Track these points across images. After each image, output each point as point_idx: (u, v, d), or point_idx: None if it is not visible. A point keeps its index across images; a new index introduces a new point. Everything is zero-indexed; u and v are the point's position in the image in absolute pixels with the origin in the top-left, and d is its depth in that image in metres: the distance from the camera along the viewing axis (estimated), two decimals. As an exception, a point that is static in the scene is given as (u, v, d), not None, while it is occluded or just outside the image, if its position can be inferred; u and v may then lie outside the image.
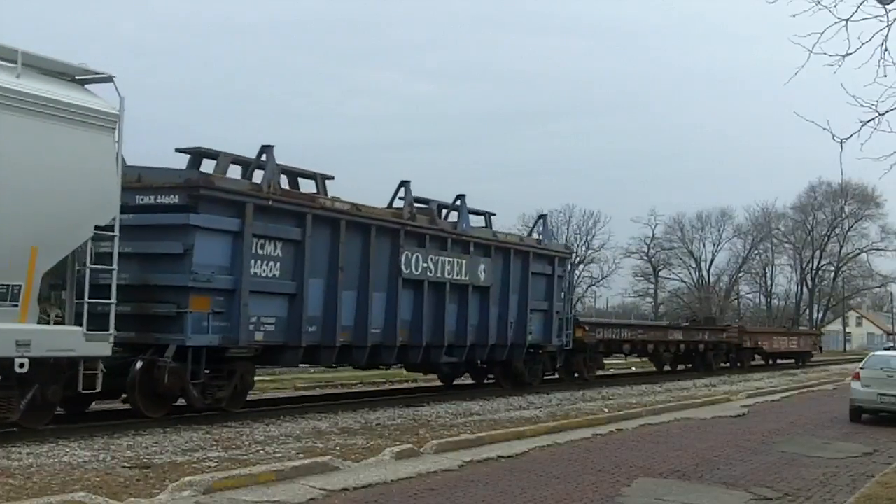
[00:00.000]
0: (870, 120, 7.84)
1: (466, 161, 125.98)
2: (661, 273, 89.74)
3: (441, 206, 19.42)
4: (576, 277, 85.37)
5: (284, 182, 15.72)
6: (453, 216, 19.63)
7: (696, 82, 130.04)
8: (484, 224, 20.86)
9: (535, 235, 23.93)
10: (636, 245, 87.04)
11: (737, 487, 10.31)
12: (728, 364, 36.05)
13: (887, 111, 7.74)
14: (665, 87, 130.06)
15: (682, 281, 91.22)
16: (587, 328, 25.05)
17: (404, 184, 17.63)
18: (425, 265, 17.69)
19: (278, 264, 14.53)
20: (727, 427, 16.57)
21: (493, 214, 21.42)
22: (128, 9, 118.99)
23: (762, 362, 41.45)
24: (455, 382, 22.91)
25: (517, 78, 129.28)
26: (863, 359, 20.69)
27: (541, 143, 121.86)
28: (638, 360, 33.93)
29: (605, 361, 29.08)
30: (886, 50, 7.46)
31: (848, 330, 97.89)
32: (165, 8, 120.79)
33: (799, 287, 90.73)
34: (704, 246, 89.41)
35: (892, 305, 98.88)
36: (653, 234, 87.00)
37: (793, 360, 43.71)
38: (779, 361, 42.76)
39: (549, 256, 22.52)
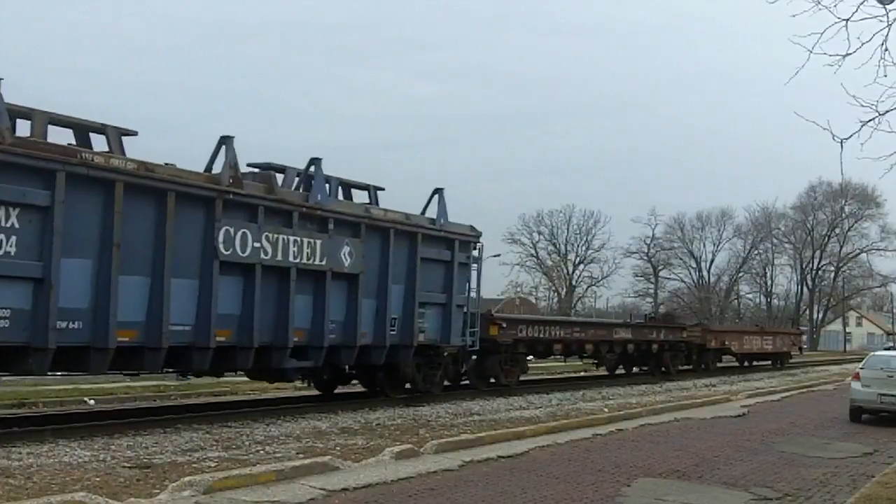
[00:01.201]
0: (870, 120, 7.85)
1: (466, 161, 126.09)
2: (661, 273, 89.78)
3: (294, 172, 16.00)
4: (575, 277, 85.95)
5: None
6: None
7: (696, 82, 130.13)
8: (369, 201, 17.46)
9: (435, 215, 18.93)
10: (636, 245, 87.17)
11: (737, 487, 10.31)
12: (690, 367, 32.69)
13: (887, 111, 7.75)
14: (665, 88, 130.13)
15: (683, 281, 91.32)
16: (504, 325, 21.81)
17: (225, 140, 14.03)
18: (257, 245, 14.03)
19: (13, 238, 11.03)
20: (727, 427, 16.57)
21: (380, 189, 17.91)
22: (128, 9, 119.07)
23: (735, 364, 38.53)
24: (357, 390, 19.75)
25: (517, 78, 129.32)
26: (863, 359, 20.68)
27: (541, 143, 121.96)
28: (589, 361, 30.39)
29: (554, 364, 27.27)
30: (886, 50, 7.47)
31: (848, 330, 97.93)
32: (165, 8, 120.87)
33: (799, 287, 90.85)
34: (704, 246, 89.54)
35: (892, 305, 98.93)
36: (653, 234, 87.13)
37: (769, 362, 40.33)
38: (755, 363, 39.47)
39: (448, 239, 18.77)
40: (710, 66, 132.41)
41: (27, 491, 8.44)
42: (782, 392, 25.85)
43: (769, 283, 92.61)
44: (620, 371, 29.96)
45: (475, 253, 19.99)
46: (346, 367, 17.72)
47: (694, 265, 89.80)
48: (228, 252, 13.59)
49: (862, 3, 7.31)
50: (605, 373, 29.67)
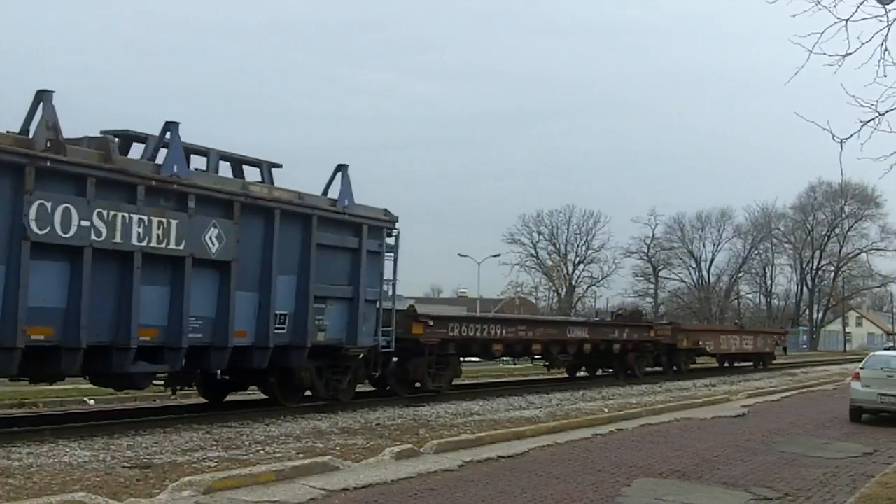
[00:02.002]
0: (870, 120, 7.85)
1: (466, 161, 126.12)
2: (661, 273, 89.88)
3: (156, 141, 13.42)
4: (575, 277, 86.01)
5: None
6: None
7: (696, 82, 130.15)
8: (262, 179, 15.08)
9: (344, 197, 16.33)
10: (636, 245, 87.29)
11: (737, 487, 10.31)
12: (661, 368, 30.41)
13: (887, 111, 7.75)
14: (665, 88, 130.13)
15: (682, 281, 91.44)
16: (430, 323, 19.24)
17: (42, 96, 11.63)
18: (86, 224, 11.62)
19: None
20: (727, 427, 16.56)
21: (276, 166, 15.53)
22: (129, 9, 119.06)
23: (714, 365, 36.69)
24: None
25: (517, 78, 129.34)
26: (863, 359, 20.68)
27: (541, 143, 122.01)
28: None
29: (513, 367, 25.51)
30: (886, 50, 7.47)
31: (848, 330, 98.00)
32: (166, 8, 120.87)
33: (799, 287, 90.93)
34: (704, 246, 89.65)
35: (892, 305, 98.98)
36: (653, 234, 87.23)
37: (750, 363, 38.12)
38: (736, 365, 37.35)
39: (354, 224, 16.39)
40: (711, 66, 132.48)
41: (27, 491, 8.44)
42: (782, 392, 25.86)
43: (769, 283, 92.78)
44: (581, 374, 28.02)
45: (390, 240, 17.47)
46: (219, 372, 15.08)
47: (694, 265, 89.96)
48: (44, 231, 11.14)
49: (862, 3, 7.32)
50: (554, 376, 27.17)
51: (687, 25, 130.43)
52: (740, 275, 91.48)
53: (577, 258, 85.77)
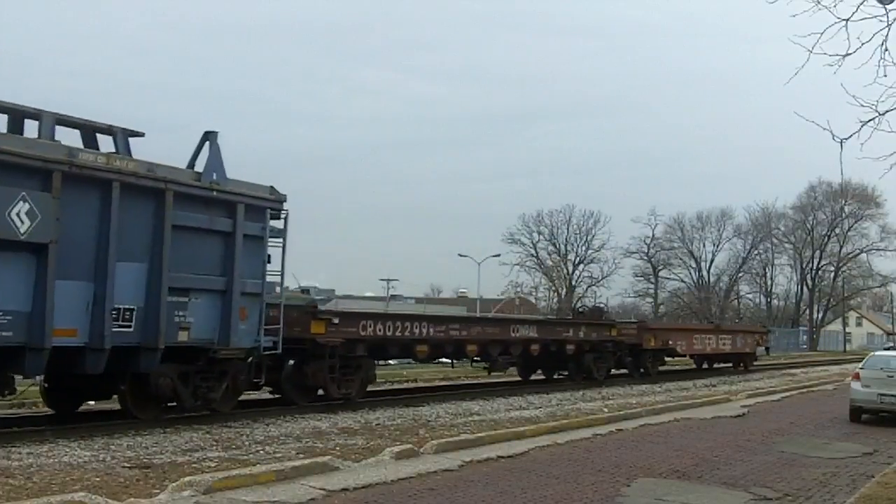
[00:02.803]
0: (870, 120, 7.85)
1: (466, 161, 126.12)
2: (661, 273, 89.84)
3: None
4: (575, 277, 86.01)
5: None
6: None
7: (696, 82, 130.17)
8: (116, 150, 12.84)
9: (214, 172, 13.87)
10: (636, 245, 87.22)
11: (737, 487, 10.31)
12: (626, 371, 28.03)
13: (887, 111, 7.75)
14: (665, 88, 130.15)
15: (682, 281, 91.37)
16: (334, 321, 16.72)
17: None
18: None
19: None
20: (727, 427, 16.57)
21: (136, 135, 13.29)
22: (130, 9, 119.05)
23: (689, 367, 34.99)
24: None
25: (518, 78, 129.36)
26: (863, 359, 20.68)
27: (541, 143, 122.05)
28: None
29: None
30: (886, 50, 7.47)
31: (848, 330, 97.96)
32: (167, 8, 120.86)
33: (799, 287, 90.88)
34: (704, 246, 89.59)
35: (892, 305, 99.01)
36: (653, 234, 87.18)
37: (730, 364, 35.86)
38: (715, 366, 35.24)
39: (227, 203, 13.92)
40: (711, 66, 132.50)
41: (27, 491, 8.44)
42: (782, 392, 25.85)
43: (769, 283, 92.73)
44: (538, 377, 25.72)
45: (278, 223, 15.05)
46: (34, 375, 12.49)
47: (694, 265, 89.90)
48: None
49: (862, 3, 7.31)
50: (499, 379, 24.98)
51: (687, 25, 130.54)
52: (740, 275, 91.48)
53: (577, 258, 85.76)
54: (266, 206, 14.76)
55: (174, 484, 8.79)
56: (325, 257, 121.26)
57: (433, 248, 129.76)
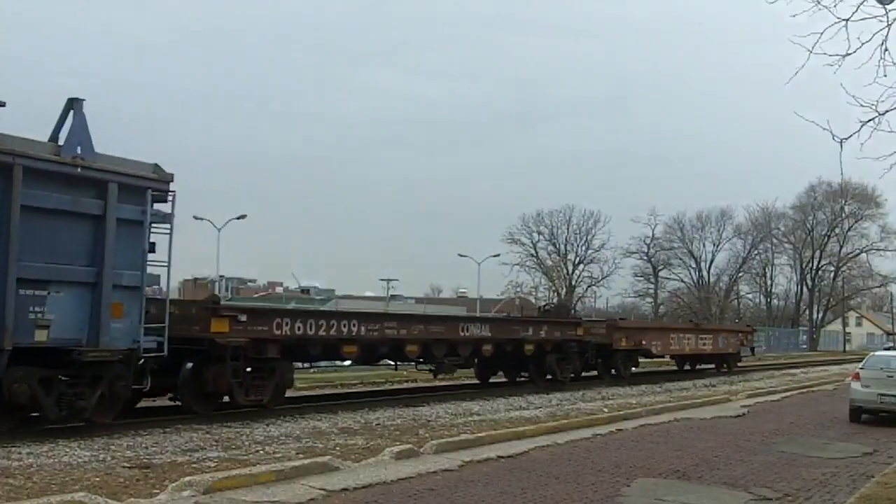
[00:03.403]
0: (870, 120, 7.85)
1: (467, 161, 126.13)
2: (661, 273, 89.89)
3: None
4: (575, 277, 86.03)
5: None
6: None
7: (696, 82, 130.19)
8: None
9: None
10: (636, 245, 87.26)
11: (737, 487, 10.31)
12: (595, 373, 26.45)
13: (887, 111, 7.75)
14: (665, 88, 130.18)
15: (682, 281, 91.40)
16: (241, 318, 14.82)
17: None
18: None
19: None
20: (727, 427, 16.56)
21: None
22: (129, 9, 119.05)
23: (666, 369, 33.68)
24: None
25: (518, 78, 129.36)
26: (863, 359, 20.67)
27: (540, 143, 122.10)
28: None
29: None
30: (886, 50, 7.47)
31: (848, 330, 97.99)
32: (167, 9, 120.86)
33: (799, 287, 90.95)
34: (704, 246, 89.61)
35: (892, 305, 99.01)
36: (653, 234, 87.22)
37: (712, 365, 34.09)
38: (698, 367, 33.71)
39: (95, 182, 12.19)
40: (711, 66, 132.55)
41: (27, 491, 8.44)
42: (782, 392, 25.85)
43: (769, 283, 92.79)
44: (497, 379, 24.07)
45: (164, 207, 13.29)
46: None
47: (694, 265, 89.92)
48: None
49: (862, 3, 7.32)
50: (452, 382, 23.28)
51: (687, 26, 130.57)
52: (740, 275, 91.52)
53: (577, 258, 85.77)
54: (147, 186, 12.84)
55: (174, 484, 8.79)
56: (325, 257, 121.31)
57: (433, 248, 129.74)
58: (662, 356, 30.82)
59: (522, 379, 23.41)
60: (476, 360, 21.92)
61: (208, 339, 14.16)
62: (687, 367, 33.58)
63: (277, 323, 15.49)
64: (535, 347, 22.36)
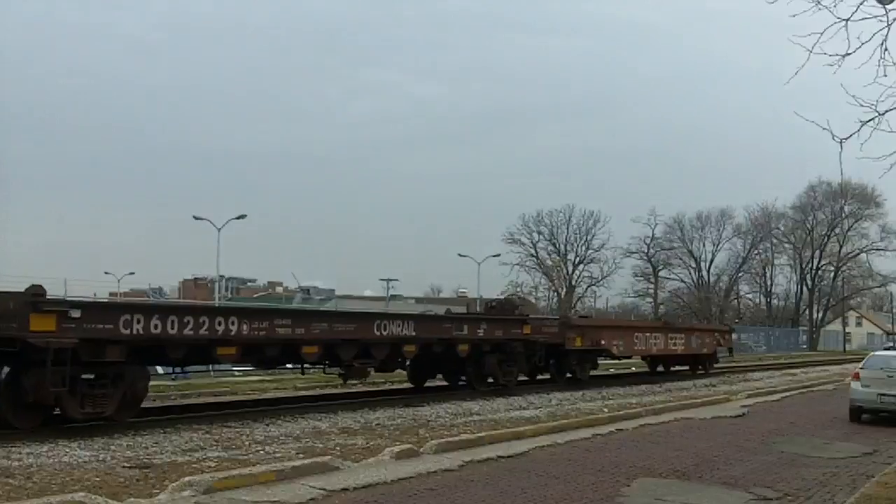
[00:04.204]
0: (870, 120, 7.84)
1: (467, 161, 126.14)
2: (661, 273, 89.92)
3: None
4: (575, 277, 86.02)
5: None
6: None
7: (696, 82, 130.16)
8: None
9: None
10: (636, 245, 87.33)
11: (737, 487, 10.31)
12: (548, 376, 24.32)
13: (887, 111, 7.74)
14: (666, 88, 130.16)
15: (682, 281, 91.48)
16: (75, 315, 12.19)
17: None
18: None
19: None
20: (727, 427, 16.56)
21: None
22: (132, 9, 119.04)
23: (644, 370, 31.91)
24: None
25: (518, 78, 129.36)
26: (863, 359, 20.67)
27: (541, 143, 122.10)
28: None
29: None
30: (886, 50, 7.46)
31: (848, 330, 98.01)
32: (169, 8, 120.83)
33: (799, 287, 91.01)
34: (704, 246, 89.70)
35: (892, 305, 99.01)
36: (653, 234, 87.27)
37: (686, 367, 31.98)
38: (673, 369, 31.60)
39: None
40: (711, 66, 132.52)
41: (27, 491, 8.44)
42: (782, 392, 25.85)
43: (769, 283, 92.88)
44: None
45: None
46: None
47: (694, 265, 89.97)
48: None
49: (862, 3, 7.31)
50: (370, 388, 21.73)
51: (687, 25, 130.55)
52: (740, 275, 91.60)
53: (577, 258, 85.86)
54: None
55: (174, 484, 8.78)
56: (325, 257, 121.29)
57: (433, 248, 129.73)
58: (625, 357, 28.19)
59: (463, 383, 21.26)
60: (406, 363, 20.12)
61: (22, 339, 11.72)
62: (660, 370, 31.57)
63: (126, 320, 12.84)
64: (470, 348, 19.98)
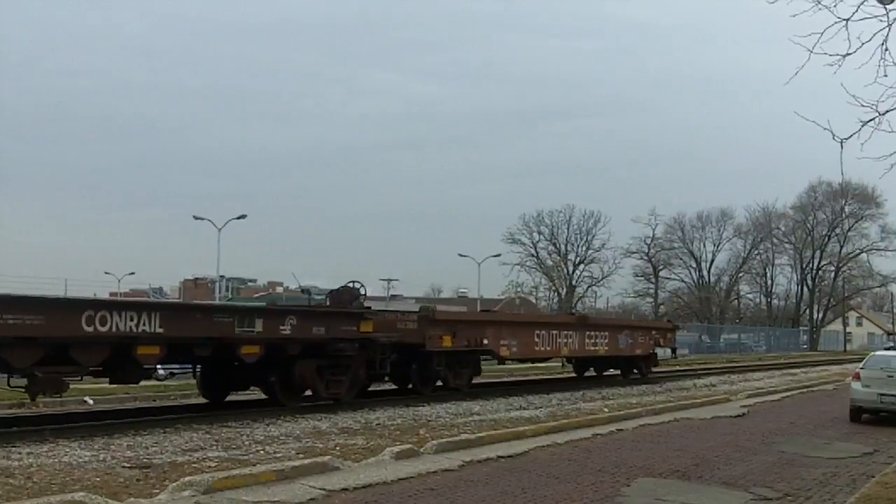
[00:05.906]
0: (870, 120, 7.85)
1: (467, 161, 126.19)
2: (661, 273, 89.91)
3: None
4: (576, 277, 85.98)
5: None
6: None
7: (696, 83, 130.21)
8: None
9: None
10: (636, 245, 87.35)
11: (737, 487, 10.30)
12: (411, 386, 19.46)
13: (887, 111, 7.74)
14: (666, 88, 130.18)
15: (683, 281, 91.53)
16: None
17: None
18: None
19: None
20: (727, 427, 16.56)
21: None
22: (134, 9, 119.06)
23: (570, 375, 27.62)
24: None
25: (518, 78, 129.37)
26: (863, 359, 20.67)
27: (541, 143, 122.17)
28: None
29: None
30: (886, 50, 7.47)
31: (848, 330, 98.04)
32: (171, 9, 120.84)
33: (799, 287, 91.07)
34: (705, 246, 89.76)
35: (892, 305, 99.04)
36: (653, 234, 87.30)
37: (617, 371, 27.72)
38: (605, 374, 27.53)
39: None
40: (711, 67, 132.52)
41: (27, 491, 8.43)
42: (782, 392, 25.86)
43: (769, 283, 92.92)
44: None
45: None
46: None
47: (694, 265, 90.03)
48: None
49: (862, 3, 7.31)
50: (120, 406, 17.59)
51: (687, 26, 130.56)
52: (740, 275, 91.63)
53: (578, 258, 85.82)
54: None
55: (174, 484, 8.78)
56: (325, 257, 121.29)
57: (433, 248, 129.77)
58: (521, 360, 23.89)
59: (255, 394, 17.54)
60: (157, 371, 15.24)
61: None
62: (591, 374, 27.41)
63: None
64: (262, 350, 14.83)
